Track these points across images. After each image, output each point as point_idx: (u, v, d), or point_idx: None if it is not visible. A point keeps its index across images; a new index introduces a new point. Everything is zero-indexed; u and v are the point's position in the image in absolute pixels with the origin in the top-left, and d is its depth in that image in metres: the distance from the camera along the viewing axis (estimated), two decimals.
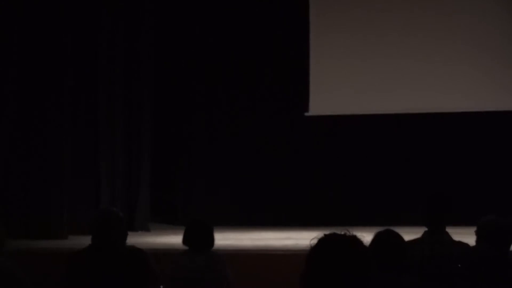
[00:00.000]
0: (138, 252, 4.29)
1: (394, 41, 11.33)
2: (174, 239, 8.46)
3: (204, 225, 6.02)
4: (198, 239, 5.92)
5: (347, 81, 11.44)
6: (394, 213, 10.63)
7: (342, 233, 2.33)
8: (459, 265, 4.67)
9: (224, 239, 8.63)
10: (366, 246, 2.34)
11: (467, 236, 5.50)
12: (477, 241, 5.06)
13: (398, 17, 11.36)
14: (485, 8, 11.12)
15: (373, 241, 4.13)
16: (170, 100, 12.00)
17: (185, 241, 6.02)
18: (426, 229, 5.22)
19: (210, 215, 10.17)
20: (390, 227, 4.42)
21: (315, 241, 2.34)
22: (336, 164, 11.54)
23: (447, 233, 5.21)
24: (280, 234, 9.95)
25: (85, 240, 4.73)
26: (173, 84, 11.96)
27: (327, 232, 2.36)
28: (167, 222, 11.60)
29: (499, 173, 11.02)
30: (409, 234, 5.26)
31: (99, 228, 4.37)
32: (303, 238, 2.44)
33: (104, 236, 4.32)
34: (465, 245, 5.13)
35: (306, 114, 11.56)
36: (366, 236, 2.47)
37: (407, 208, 10.28)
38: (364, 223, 8.90)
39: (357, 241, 2.33)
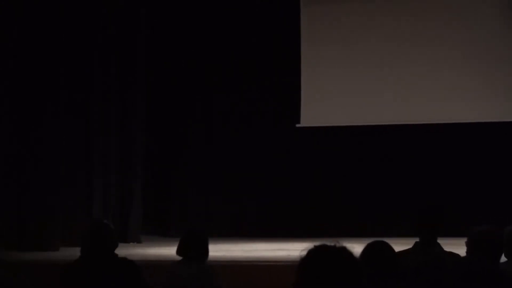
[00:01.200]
0: (129, 264, 4.30)
1: (386, 52, 11.34)
2: (166, 250, 8.47)
3: (201, 236, 6.03)
4: (194, 250, 5.93)
5: (338, 92, 11.45)
6: (385, 224, 10.65)
7: (332, 244, 2.34)
8: (450, 276, 4.68)
9: (216, 250, 8.61)
10: (356, 257, 2.35)
11: (458, 247, 5.52)
12: (467, 252, 5.07)
13: (390, 28, 11.36)
14: (484, 17, 11.12)
15: (364, 252, 4.15)
16: (163, 110, 12.01)
17: (179, 251, 6.03)
18: (417, 240, 5.25)
19: (201, 226, 10.19)
20: (381, 238, 4.43)
21: (305, 252, 2.35)
22: (328, 175, 11.55)
23: (438, 244, 5.23)
24: (272, 245, 9.96)
25: (77, 252, 4.73)
26: (166, 95, 11.97)
27: (317, 243, 2.37)
28: (159, 234, 11.59)
29: (491, 184, 11.04)
30: (401, 245, 5.28)
31: (90, 239, 4.37)
32: (295, 249, 2.45)
33: (95, 248, 4.32)
34: (456, 255, 5.15)
35: (297, 125, 11.57)
36: (356, 247, 2.48)
37: (399, 219, 10.31)
38: (356, 234, 8.95)
39: (346, 252, 2.34)
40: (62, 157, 10.39)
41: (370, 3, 11.48)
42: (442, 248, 5.22)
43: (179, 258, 6.01)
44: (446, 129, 11.22)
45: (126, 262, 4.40)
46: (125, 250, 8.87)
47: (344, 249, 2.34)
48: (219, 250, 9.17)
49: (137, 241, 10.98)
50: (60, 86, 10.37)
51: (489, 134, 11.13)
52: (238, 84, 11.86)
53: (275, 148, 11.68)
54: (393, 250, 4.24)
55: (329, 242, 2.35)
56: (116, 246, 4.42)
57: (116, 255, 4.58)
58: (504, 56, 11.05)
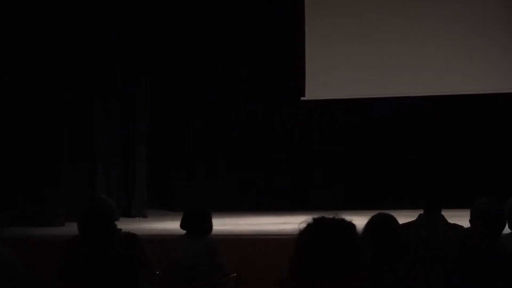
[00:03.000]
0: (130, 237, 4.27)
1: (389, 26, 11.29)
2: (172, 225, 8.46)
3: (202, 211, 6.02)
4: (196, 225, 5.92)
5: (342, 66, 11.41)
6: (391, 197, 10.63)
7: (331, 216, 2.31)
8: (455, 249, 4.66)
9: (222, 224, 8.64)
10: (355, 229, 2.31)
11: (463, 219, 5.49)
12: (471, 223, 5.04)
13: (394, 1, 11.31)
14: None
15: (368, 224, 4.12)
16: (166, 88, 11.97)
17: (182, 225, 6.02)
18: (421, 212, 5.22)
19: (207, 200, 10.18)
20: (386, 210, 4.41)
21: (303, 225, 2.32)
22: (332, 148, 11.51)
23: (442, 217, 5.20)
24: (277, 218, 9.95)
25: None
26: (168, 72, 11.92)
27: (316, 216, 2.33)
28: (165, 208, 11.60)
29: (495, 156, 11.00)
30: (405, 218, 5.26)
31: (86, 215, 4.34)
32: (300, 223, 2.41)
33: (91, 223, 4.30)
34: (460, 227, 5.13)
35: (302, 98, 11.53)
36: (356, 220, 2.44)
37: (405, 192, 10.29)
38: (361, 207, 8.93)
39: (346, 225, 2.31)
40: (66, 135, 10.39)
41: None
42: (446, 220, 5.20)
43: (183, 232, 6.01)
44: (449, 101, 11.17)
45: (127, 236, 4.38)
46: (130, 225, 8.91)
47: (343, 221, 2.30)
48: (226, 224, 9.19)
49: (143, 215, 11.00)
50: (61, 70, 10.36)
51: (495, 106, 11.08)
52: (241, 58, 11.80)
53: (279, 122, 11.64)
54: (397, 222, 4.21)
55: (329, 214, 2.31)
56: (114, 220, 4.39)
57: (118, 229, 4.55)
58: (502, 29, 11.00)
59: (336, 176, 11.39)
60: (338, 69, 11.42)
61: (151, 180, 11.69)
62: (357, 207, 8.88)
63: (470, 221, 4.79)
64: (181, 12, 11.88)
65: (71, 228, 8.62)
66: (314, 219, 2.32)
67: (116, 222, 4.43)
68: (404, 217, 5.26)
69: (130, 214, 10.87)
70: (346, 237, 2.27)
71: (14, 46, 10.09)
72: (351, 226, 2.32)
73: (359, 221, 4.23)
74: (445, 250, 4.86)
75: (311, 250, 2.26)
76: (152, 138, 11.69)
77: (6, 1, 9.99)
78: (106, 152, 10.90)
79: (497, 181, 10.29)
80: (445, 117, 11.27)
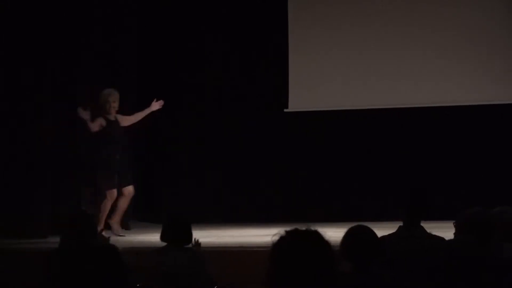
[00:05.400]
0: (110, 249, 4.28)
1: (374, 36, 11.31)
2: (155, 237, 8.46)
3: (181, 221, 6.05)
4: (176, 235, 5.94)
5: (326, 77, 11.44)
6: (374, 208, 10.65)
7: (303, 228, 2.33)
8: (435, 259, 4.68)
9: (205, 236, 8.61)
10: (327, 240, 2.33)
11: (443, 230, 5.53)
12: (455, 234, 5.07)
13: (378, 11, 11.32)
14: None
15: (345, 236, 4.15)
16: (152, 98, 11.97)
17: (163, 237, 6.04)
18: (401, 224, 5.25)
19: (190, 213, 10.17)
20: (369, 222, 4.43)
21: (276, 238, 2.34)
22: (315, 160, 11.53)
23: (422, 227, 5.24)
24: (261, 230, 9.95)
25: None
26: (155, 83, 11.92)
27: (288, 228, 2.36)
28: (148, 220, 11.57)
29: (476, 167, 11.03)
30: (389, 229, 5.29)
31: (68, 227, 4.36)
32: (273, 235, 2.42)
33: (72, 236, 4.32)
34: (440, 238, 5.16)
35: (285, 110, 11.56)
36: (329, 232, 2.46)
37: (387, 203, 10.32)
38: (343, 218, 8.96)
39: (317, 236, 2.33)
40: (49, 145, 10.33)
41: None
42: (426, 232, 5.23)
43: (164, 244, 6.02)
44: (431, 112, 11.21)
45: (106, 247, 4.39)
46: (113, 237, 8.90)
47: (315, 233, 2.33)
48: (209, 236, 9.19)
49: (126, 227, 10.97)
50: (47, 75, 10.33)
51: (474, 117, 11.13)
52: (225, 70, 11.83)
53: (263, 133, 11.65)
54: (374, 234, 4.24)
55: (302, 226, 2.34)
56: (96, 233, 4.41)
57: (100, 241, 4.57)
58: (493, 38, 11.05)
59: (319, 188, 11.41)
60: (322, 81, 11.45)
61: (135, 192, 11.65)
62: (340, 219, 8.91)
63: (457, 229, 4.83)
64: (166, 27, 11.92)
65: (54, 241, 8.62)
66: (286, 231, 2.35)
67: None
68: (387, 229, 5.30)
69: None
70: (318, 248, 2.30)
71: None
72: (322, 237, 2.34)
73: (340, 233, 4.29)
74: (425, 262, 4.89)
75: (284, 262, 2.28)
76: (137, 150, 11.66)
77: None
78: (91, 163, 10.85)
79: (478, 193, 10.33)
80: (429, 128, 11.30)
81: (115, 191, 9.75)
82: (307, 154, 11.56)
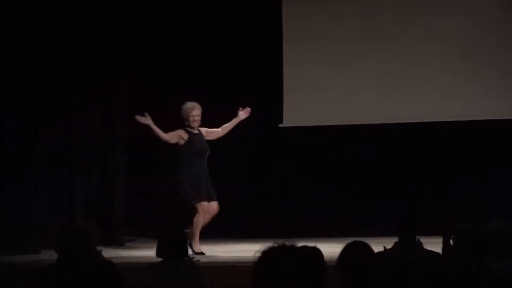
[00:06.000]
0: (107, 265, 4.27)
1: (368, 50, 11.33)
2: (148, 252, 8.44)
3: (176, 236, 6.04)
4: (171, 250, 5.92)
5: (321, 92, 11.46)
6: (369, 224, 10.64)
7: (282, 243, 2.31)
8: (430, 274, 4.68)
9: None
10: (315, 256, 2.30)
11: (438, 246, 5.53)
12: (453, 248, 5.06)
13: (373, 26, 11.35)
14: (469, 14, 11.15)
15: (342, 252, 4.15)
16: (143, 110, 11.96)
17: (158, 253, 6.01)
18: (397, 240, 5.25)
19: (178, 226, 10.14)
20: (365, 237, 4.43)
21: (258, 254, 2.32)
22: (309, 175, 11.53)
23: (418, 242, 5.23)
24: (254, 246, 9.92)
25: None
26: (147, 96, 11.91)
27: (270, 244, 2.33)
28: (141, 235, 11.54)
29: (472, 182, 11.05)
30: (386, 245, 5.29)
31: (63, 244, 4.34)
32: (256, 251, 2.41)
33: (67, 252, 4.30)
34: (436, 253, 5.16)
35: (280, 125, 11.56)
36: (334, 247, 2.44)
37: (383, 218, 10.30)
38: (338, 234, 8.96)
39: (298, 251, 2.30)
40: (41, 158, 10.30)
41: (352, 1, 11.49)
42: (422, 247, 5.22)
43: (159, 259, 6.01)
44: (423, 128, 11.24)
45: (104, 263, 4.38)
46: (107, 253, 8.86)
47: (294, 248, 2.30)
48: (204, 251, 9.19)
49: (120, 243, 10.93)
50: (41, 82, 10.33)
51: (466, 132, 11.16)
52: (219, 86, 11.83)
53: (257, 148, 11.65)
54: (371, 249, 4.23)
55: (282, 242, 2.31)
56: (92, 249, 4.39)
57: (96, 258, 4.55)
58: (485, 53, 11.08)
59: (313, 203, 11.40)
60: (316, 96, 11.46)
61: (129, 207, 11.62)
62: (335, 234, 8.90)
63: (453, 245, 4.82)
64: (154, 48, 11.94)
65: (48, 256, 8.59)
66: (269, 247, 2.33)
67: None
68: (382, 245, 5.29)
69: (107, 242, 10.79)
70: (300, 263, 2.27)
71: None
72: (307, 252, 2.31)
73: (337, 248, 4.29)
74: (420, 277, 4.89)
75: (268, 279, 2.26)
76: (129, 166, 11.64)
77: None
78: (84, 179, 10.83)
79: (471, 208, 10.35)
80: (421, 144, 11.33)
81: (205, 203, 9.45)
82: (302, 168, 11.56)
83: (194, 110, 9.49)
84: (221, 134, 9.81)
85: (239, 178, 11.62)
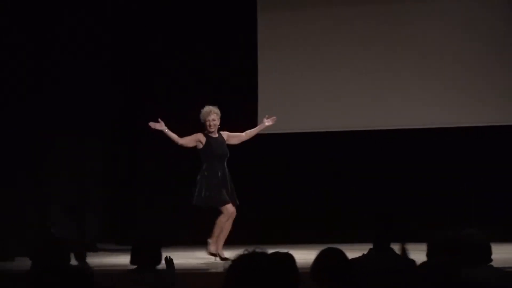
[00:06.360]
0: (83, 272, 4.26)
1: (342, 57, 11.38)
2: (123, 259, 8.42)
3: (149, 243, 6.03)
4: (146, 256, 5.92)
5: (296, 99, 11.48)
6: (348, 231, 10.65)
7: (252, 251, 2.32)
8: (404, 281, 4.71)
9: (177, 257, 8.55)
10: (286, 262, 2.31)
11: (414, 252, 5.55)
12: (428, 256, 5.09)
13: (347, 32, 11.39)
14: (455, 21, 11.21)
15: (316, 259, 4.16)
16: (124, 120, 11.97)
17: (132, 260, 6.01)
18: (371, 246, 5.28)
19: (157, 235, 10.13)
20: (346, 244, 4.44)
21: (229, 262, 2.33)
22: (285, 182, 11.55)
23: (392, 250, 5.26)
24: (230, 252, 9.94)
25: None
26: (123, 109, 11.91)
27: (240, 251, 2.34)
28: (117, 242, 11.51)
29: (447, 189, 11.11)
30: (360, 252, 5.31)
31: (37, 251, 4.32)
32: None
33: (42, 258, 4.28)
34: (411, 260, 5.19)
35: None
36: (297, 254, 2.45)
37: (359, 226, 10.34)
38: (317, 240, 8.96)
39: (274, 258, 2.31)
40: (14, 164, 10.26)
41: (326, 8, 11.52)
42: (396, 254, 5.26)
43: (134, 266, 6.00)
44: (401, 134, 11.28)
45: (79, 270, 4.37)
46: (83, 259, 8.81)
47: (265, 255, 2.31)
48: (176, 258, 9.14)
49: (93, 250, 10.90)
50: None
51: (445, 139, 11.21)
52: (194, 91, 11.83)
53: (234, 155, 11.64)
54: (345, 256, 4.24)
55: (252, 249, 2.32)
56: (65, 254, 4.37)
57: (74, 264, 4.53)
58: (475, 61, 11.12)
59: (293, 210, 11.43)
60: (291, 103, 11.48)
61: (104, 214, 11.60)
62: (315, 241, 8.91)
63: (429, 253, 4.85)
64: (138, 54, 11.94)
65: (21, 263, 8.54)
66: (239, 254, 2.34)
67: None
68: (356, 252, 5.31)
69: (82, 248, 10.72)
70: (271, 270, 2.28)
71: None
72: (278, 259, 2.33)
73: (310, 255, 4.30)
74: (394, 284, 4.91)
75: (238, 285, 2.26)
76: (106, 173, 11.62)
77: None
78: (58, 186, 10.80)
79: (448, 215, 10.41)
80: (402, 151, 11.36)
81: (229, 206, 9.38)
82: (277, 175, 11.57)
83: (210, 115, 9.49)
84: (244, 139, 9.82)
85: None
